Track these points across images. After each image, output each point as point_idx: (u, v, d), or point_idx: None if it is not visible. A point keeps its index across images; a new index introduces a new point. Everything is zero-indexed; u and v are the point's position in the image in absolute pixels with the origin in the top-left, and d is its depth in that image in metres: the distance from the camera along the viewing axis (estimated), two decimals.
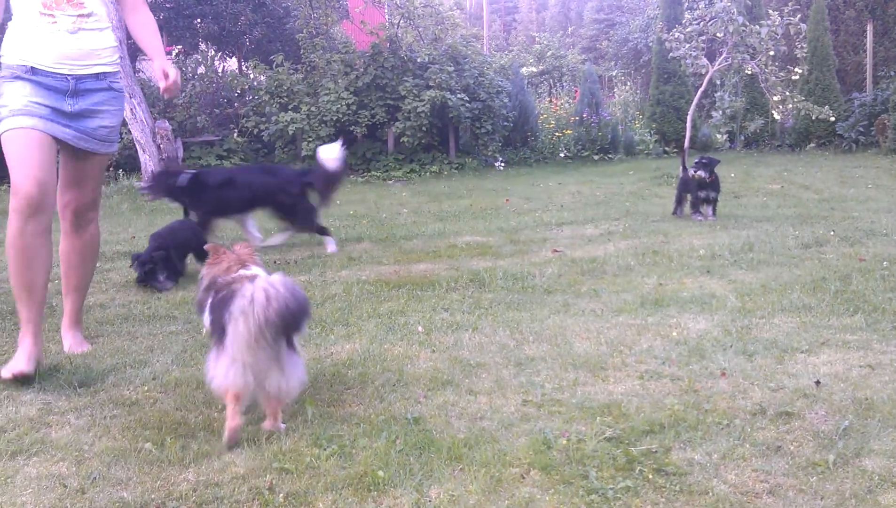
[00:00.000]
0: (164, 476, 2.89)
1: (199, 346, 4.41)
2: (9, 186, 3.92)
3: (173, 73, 4.12)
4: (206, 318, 3.43)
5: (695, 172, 7.71)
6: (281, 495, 2.72)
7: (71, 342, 4.44)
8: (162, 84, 4.14)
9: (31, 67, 3.94)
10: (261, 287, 2.93)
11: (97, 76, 4.11)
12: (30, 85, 3.93)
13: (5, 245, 3.90)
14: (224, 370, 3.07)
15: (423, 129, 14.04)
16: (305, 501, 2.69)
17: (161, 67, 4.15)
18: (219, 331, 3.15)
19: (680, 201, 8.44)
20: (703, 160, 7.86)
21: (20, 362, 3.89)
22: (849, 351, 4.05)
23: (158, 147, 11.48)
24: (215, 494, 2.74)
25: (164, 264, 5.82)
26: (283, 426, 3.26)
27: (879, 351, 4.04)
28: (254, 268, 3.52)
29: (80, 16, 4.03)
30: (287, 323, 2.97)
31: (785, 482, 2.76)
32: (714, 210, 8.02)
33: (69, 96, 4.02)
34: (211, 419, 3.39)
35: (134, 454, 3.08)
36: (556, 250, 6.86)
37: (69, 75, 4.00)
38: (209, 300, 3.41)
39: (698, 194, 7.97)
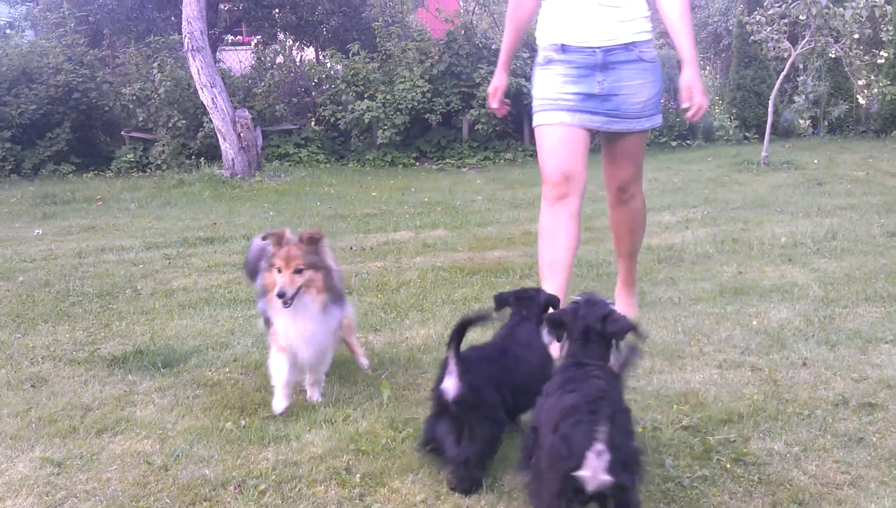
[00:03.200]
0: (244, 455, 2.97)
1: None
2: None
3: (698, 97, 3.92)
4: None
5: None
6: (358, 475, 2.77)
7: (624, 302, 4.66)
8: (686, 103, 3.98)
9: (562, 45, 3.98)
10: None
11: (626, 47, 3.96)
12: (560, 66, 4.01)
13: (538, 227, 4.14)
14: None
15: (498, 116, 13.99)
16: (381, 482, 2.73)
17: (689, 80, 3.94)
18: None
19: None
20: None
21: None
22: None
23: (238, 135, 11.68)
24: (294, 473, 2.80)
25: None
26: None
27: None
28: None
29: None
30: None
31: (867, 473, 2.69)
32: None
33: (599, 71, 3.96)
34: (290, 401, 3.46)
35: (216, 433, 3.17)
36: None
37: (597, 48, 3.93)
38: None
39: None
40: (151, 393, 3.65)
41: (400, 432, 3.08)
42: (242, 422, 3.25)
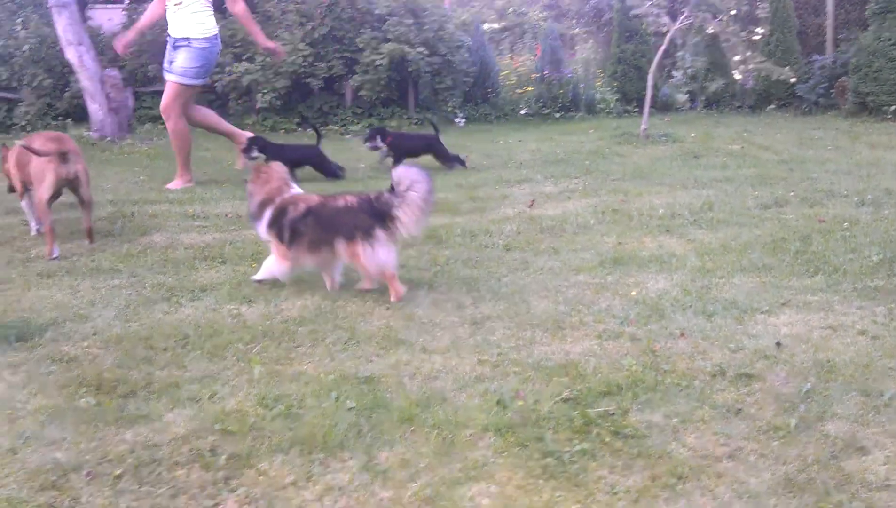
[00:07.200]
0: (100, 437, 2.75)
1: (143, 300, 4.24)
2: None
3: (279, 53, 9.12)
4: (264, 229, 4.47)
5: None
6: (223, 457, 2.60)
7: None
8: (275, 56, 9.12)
9: (167, 34, 7.98)
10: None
11: (184, 38, 7.81)
12: (169, 44, 7.99)
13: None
14: (386, 256, 4.20)
15: (382, 83, 13.74)
16: (248, 463, 2.57)
17: (265, 45, 8.54)
18: (352, 230, 4.22)
19: None
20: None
21: None
22: (809, 312, 3.99)
23: (108, 96, 11.10)
24: (153, 455, 2.61)
25: None
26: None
27: (840, 313, 3.98)
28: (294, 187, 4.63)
29: (176, 4, 7.78)
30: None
31: (746, 446, 2.69)
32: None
33: (172, 49, 7.91)
34: (152, 377, 3.24)
35: (70, 412, 2.94)
36: (532, 203, 6.76)
37: (171, 37, 7.90)
38: (271, 215, 4.43)
39: None
40: (2, 370, 3.37)
41: (270, 410, 2.92)
42: (98, 401, 3.01)
